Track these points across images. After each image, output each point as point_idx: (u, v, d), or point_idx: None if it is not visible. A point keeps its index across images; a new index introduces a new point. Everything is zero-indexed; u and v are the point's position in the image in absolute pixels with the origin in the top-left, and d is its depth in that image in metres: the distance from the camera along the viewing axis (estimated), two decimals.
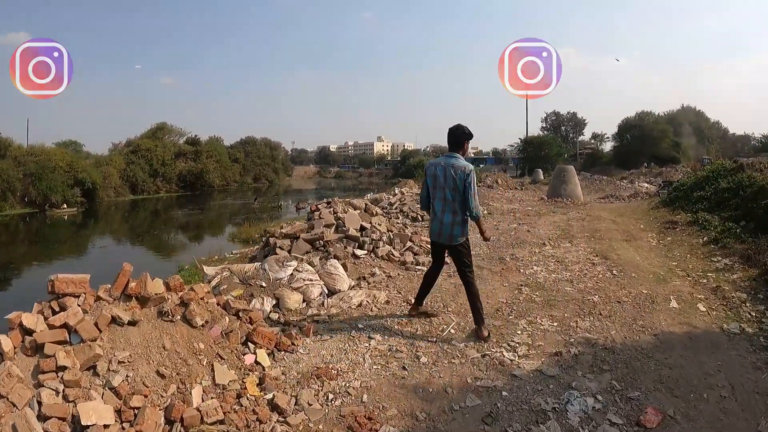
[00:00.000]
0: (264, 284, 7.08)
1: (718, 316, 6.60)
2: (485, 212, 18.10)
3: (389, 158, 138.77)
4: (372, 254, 9.09)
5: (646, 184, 32.51)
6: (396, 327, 6.12)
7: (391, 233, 10.36)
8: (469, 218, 5.64)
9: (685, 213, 14.73)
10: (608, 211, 18.55)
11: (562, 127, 69.50)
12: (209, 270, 7.97)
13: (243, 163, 74.46)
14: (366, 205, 14.23)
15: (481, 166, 67.34)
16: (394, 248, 9.71)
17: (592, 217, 16.19)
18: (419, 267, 8.90)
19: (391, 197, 17.04)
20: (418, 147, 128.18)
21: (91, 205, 42.75)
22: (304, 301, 6.97)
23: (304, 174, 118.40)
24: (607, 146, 63.68)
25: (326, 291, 7.25)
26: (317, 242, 9.07)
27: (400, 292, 7.57)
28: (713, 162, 35.58)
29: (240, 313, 5.55)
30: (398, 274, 8.46)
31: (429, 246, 10.51)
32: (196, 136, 69.15)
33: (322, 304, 6.91)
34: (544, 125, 68.88)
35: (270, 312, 6.57)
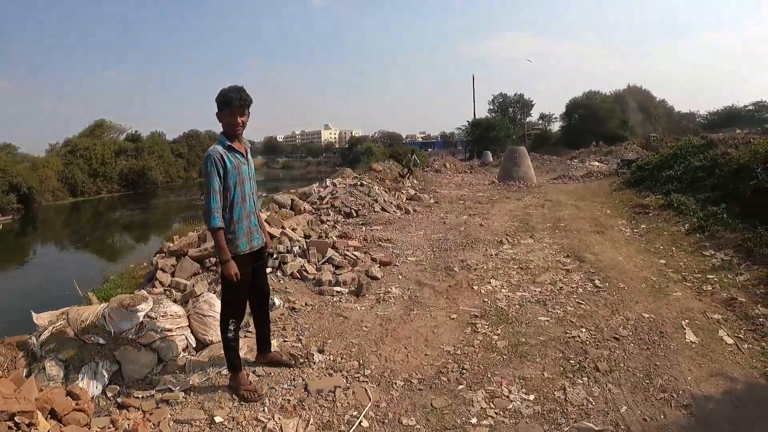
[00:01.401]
0: (102, 341, 4.65)
1: (753, 352, 4.62)
2: (431, 201, 16.05)
3: (337, 146, 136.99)
4: (279, 271, 7.01)
5: (597, 163, 31.33)
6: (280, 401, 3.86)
7: (306, 240, 8.10)
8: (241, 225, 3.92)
9: (654, 195, 12.99)
10: (567, 195, 16.74)
11: (510, 109, 68.97)
12: (41, 320, 5.39)
13: (187, 157, 71.74)
14: (293, 200, 12.43)
15: (429, 150, 65.76)
16: (308, 261, 7.52)
17: (552, 203, 14.29)
18: (338, 289, 6.65)
19: (322, 190, 14.78)
20: (365, 134, 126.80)
21: (28, 212, 40.79)
22: (159, 362, 4.62)
23: None
24: (555, 127, 63.33)
25: (193, 342, 4.90)
26: (207, 260, 7.03)
27: (300, 337, 5.27)
28: (657, 139, 34.96)
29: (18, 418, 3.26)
30: (305, 304, 6.16)
31: (357, 253, 8.40)
32: (137, 132, 66.92)
33: (184, 366, 4.56)
34: (492, 107, 68.21)
35: (107, 386, 4.24)
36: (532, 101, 69.17)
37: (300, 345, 5.05)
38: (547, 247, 8.85)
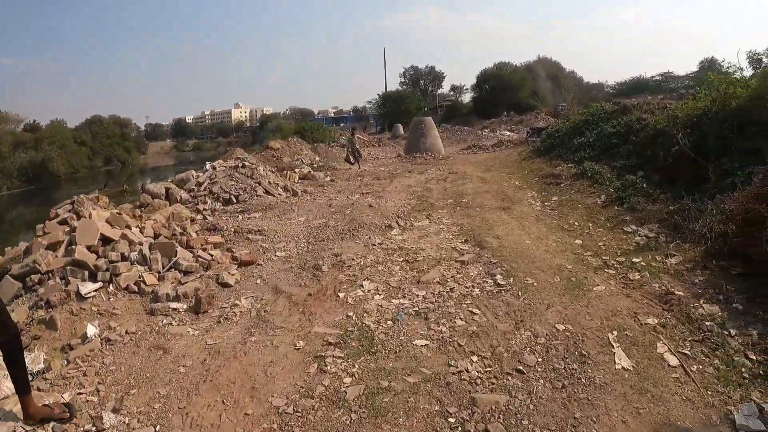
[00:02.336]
0: None
1: (707, 378, 3.26)
2: (327, 179, 14.29)
3: (248, 125, 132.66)
4: (112, 285, 5.66)
5: (508, 132, 30.69)
6: None
7: (151, 242, 6.48)
8: None
9: (566, 163, 11.79)
10: (474, 165, 15.39)
11: (421, 81, 68.10)
12: None
13: (91, 145, 66.26)
14: (168, 189, 11.16)
15: (342, 125, 63.90)
16: (150, 268, 5.96)
17: (456, 175, 12.83)
18: (176, 305, 5.08)
19: (201, 175, 12.67)
20: (277, 111, 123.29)
21: None
22: None
23: (161, 150, 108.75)
24: (467, 98, 62.87)
25: None
26: (28, 278, 5.71)
27: (100, 386, 3.55)
28: (566, 108, 34.63)
29: None
30: (126, 332, 4.42)
31: (213, 253, 6.76)
32: (35, 121, 62.63)
33: None
34: (403, 80, 67.03)
35: None
36: (443, 73, 68.54)
37: (97, 398, 3.50)
38: (444, 230, 7.30)
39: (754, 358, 3.50)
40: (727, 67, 10.51)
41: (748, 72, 9.34)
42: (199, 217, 9.62)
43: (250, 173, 12.38)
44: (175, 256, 6.26)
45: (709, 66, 44.17)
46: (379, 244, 6.76)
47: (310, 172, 14.93)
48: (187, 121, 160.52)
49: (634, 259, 5.53)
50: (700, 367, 3.44)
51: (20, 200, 43.88)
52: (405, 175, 13.93)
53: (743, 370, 3.37)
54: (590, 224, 7.19)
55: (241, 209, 10.08)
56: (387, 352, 3.83)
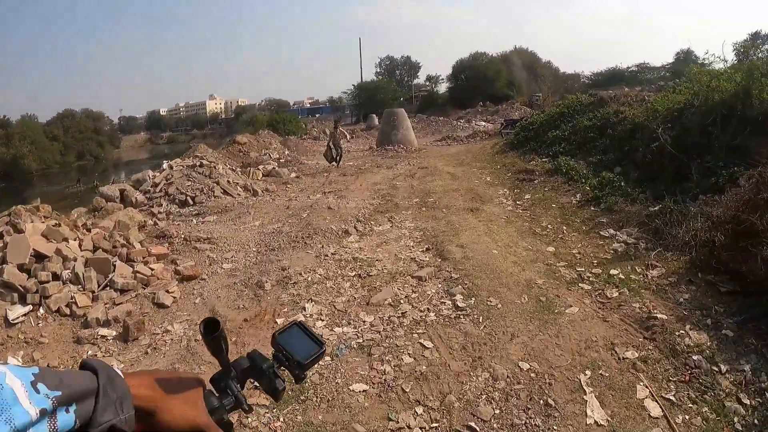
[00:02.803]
0: None
1: None
2: (292, 175, 13.58)
3: (223, 116, 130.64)
4: (42, 308, 5.12)
5: (484, 123, 30.03)
6: None
7: (88, 257, 5.87)
8: None
9: (540, 158, 11.22)
10: (446, 159, 14.75)
11: (397, 72, 67.35)
12: None
13: (63, 140, 64.66)
14: (123, 191, 10.58)
15: (317, 116, 62.96)
16: (83, 287, 5.36)
17: (426, 171, 12.17)
18: (105, 332, 4.58)
19: (158, 175, 11.87)
20: (252, 102, 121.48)
21: None
22: None
23: (135, 143, 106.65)
24: (443, 88, 62.16)
25: None
26: None
27: None
28: (541, 98, 34.21)
29: None
30: (57, 366, 3.58)
31: (155, 267, 6.14)
32: (5, 117, 59.87)
33: None
34: (379, 70, 66.16)
35: None
36: (419, 63, 67.78)
37: None
38: (406, 235, 6.67)
39: (748, 402, 2.96)
40: (704, 59, 9.94)
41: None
42: (153, 221, 9.03)
43: (208, 172, 11.61)
44: (112, 273, 5.68)
45: (685, 57, 44.31)
46: (332, 254, 6.10)
47: (274, 168, 14.15)
48: (161, 113, 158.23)
49: (612, 271, 4.96)
50: (686, 417, 2.87)
51: None
52: (373, 170, 13.24)
53: (735, 419, 2.82)
54: (564, 227, 6.61)
55: (196, 212, 9.46)
56: (318, 400, 3.19)
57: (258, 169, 13.94)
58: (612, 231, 6.15)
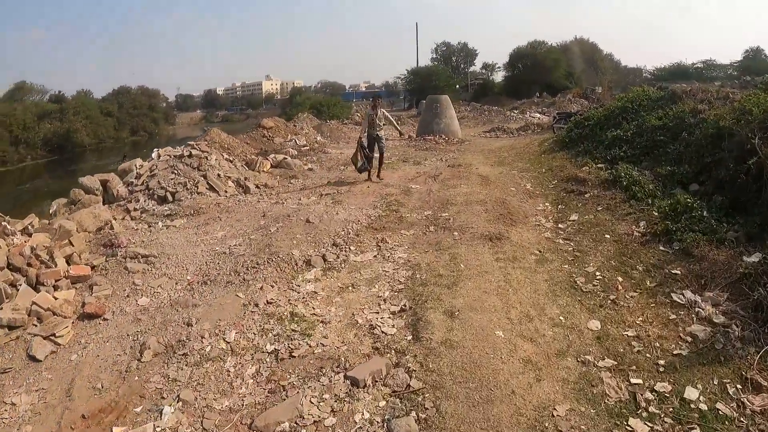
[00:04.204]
0: None
1: None
2: (306, 167, 11.99)
3: (279, 97, 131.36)
4: None
5: (539, 115, 27.65)
6: None
7: None
8: None
9: (595, 163, 8.96)
10: (484, 156, 12.64)
11: (453, 58, 64.93)
12: None
13: (117, 116, 65.57)
14: (106, 182, 9.64)
15: (354, 100, 61.62)
16: None
17: (455, 170, 10.14)
18: None
19: (144, 165, 10.36)
20: (308, 84, 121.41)
21: None
22: None
23: (190, 121, 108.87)
24: (499, 77, 59.39)
25: None
26: None
27: None
28: (601, 91, 31.37)
29: None
30: None
31: (63, 295, 5.14)
32: (60, 92, 60.85)
33: None
34: (435, 56, 63.95)
35: None
36: (476, 50, 65.11)
37: None
38: (387, 275, 4.81)
39: None
40: None
41: None
42: (120, 220, 7.99)
43: (196, 164, 9.95)
44: (6, 301, 4.79)
45: (755, 55, 41.34)
46: (267, 303, 4.29)
47: (285, 159, 12.37)
48: (217, 92, 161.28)
49: (689, 393, 2.88)
50: None
51: (45, 170, 43.03)
52: (395, 166, 11.27)
53: None
54: (620, 278, 4.53)
55: (168, 212, 8.22)
56: None
57: (267, 159, 12.21)
58: (690, 295, 4.05)
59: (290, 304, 4.26)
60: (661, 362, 3.24)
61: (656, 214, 5.95)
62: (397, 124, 11.21)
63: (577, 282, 4.53)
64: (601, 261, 4.99)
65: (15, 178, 40.54)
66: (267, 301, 4.32)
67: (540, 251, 5.39)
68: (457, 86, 53.49)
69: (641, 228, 5.71)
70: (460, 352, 3.38)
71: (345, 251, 5.46)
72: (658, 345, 3.45)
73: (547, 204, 7.38)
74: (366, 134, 9.71)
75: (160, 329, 4.01)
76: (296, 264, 5.10)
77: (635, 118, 9.86)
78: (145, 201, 8.82)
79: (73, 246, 6.34)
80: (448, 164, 11.13)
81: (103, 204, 8.94)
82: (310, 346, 3.59)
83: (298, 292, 4.47)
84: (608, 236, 5.67)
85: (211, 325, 3.91)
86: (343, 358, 3.41)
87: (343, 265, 5.12)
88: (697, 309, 3.86)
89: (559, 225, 6.34)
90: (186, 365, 3.56)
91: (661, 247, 5.10)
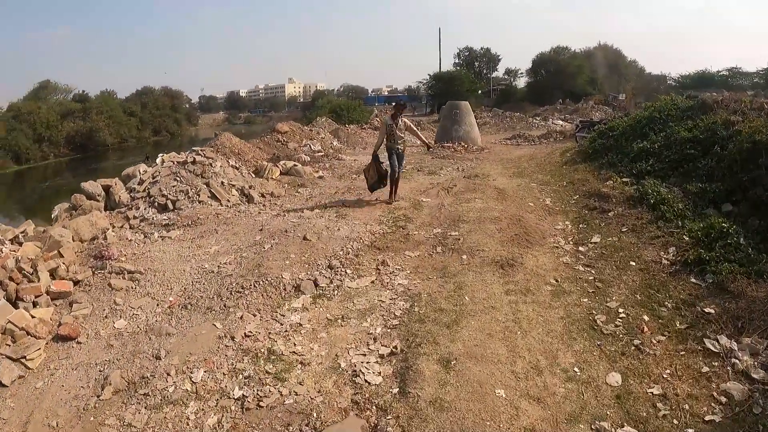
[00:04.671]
0: None
1: None
2: (317, 175, 11.64)
3: (301, 100, 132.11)
4: None
5: (561, 122, 26.93)
6: None
7: None
8: None
9: (620, 177, 8.36)
10: (503, 165, 12.09)
11: (476, 63, 64.40)
12: None
13: (140, 116, 66.46)
14: (109, 188, 9.41)
15: (376, 104, 61.24)
16: None
17: (471, 182, 9.61)
18: None
19: (148, 170, 10.06)
20: (330, 87, 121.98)
21: None
22: None
23: (213, 122, 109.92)
24: (521, 83, 59.10)
25: None
26: None
27: None
28: (624, 99, 30.51)
29: None
30: None
31: (41, 313, 4.91)
32: (84, 91, 62.00)
33: None
34: (458, 61, 63.55)
35: None
36: (498, 56, 64.45)
37: None
38: (382, 306, 4.33)
39: None
40: None
41: None
42: (118, 227, 7.77)
43: (200, 171, 9.61)
44: None
45: None
46: (244, 336, 3.84)
47: (295, 166, 11.96)
48: (240, 94, 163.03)
49: None
50: None
51: (67, 168, 43.60)
52: (408, 176, 10.76)
53: None
54: (645, 316, 3.98)
55: (166, 221, 7.89)
56: None
57: (277, 166, 11.81)
58: (725, 341, 3.53)
59: (270, 338, 3.84)
60: (690, 431, 2.71)
61: (687, 238, 5.40)
62: (420, 132, 9.30)
63: (598, 321, 4.00)
64: (626, 294, 4.46)
65: (38, 175, 41.26)
66: (245, 333, 3.91)
67: (557, 280, 4.88)
68: (480, 91, 53.14)
69: (670, 255, 5.16)
70: (451, 416, 2.90)
71: (340, 275, 5.02)
72: (687, 407, 2.93)
73: (567, 222, 6.84)
74: (384, 148, 8.37)
75: (128, 360, 3.70)
76: (284, 289, 4.68)
77: (663, 128, 9.24)
78: (145, 209, 8.54)
79: (62, 257, 6.12)
80: (465, 175, 10.60)
81: (105, 210, 8.78)
82: (281, 395, 3.17)
83: (281, 324, 4.05)
84: (633, 263, 5.13)
85: (180, 361, 3.54)
86: (315, 414, 2.98)
87: (335, 291, 4.67)
88: (732, 359, 3.32)
89: (580, 248, 5.81)
90: (145, 408, 3.21)
91: (693, 279, 4.55)
